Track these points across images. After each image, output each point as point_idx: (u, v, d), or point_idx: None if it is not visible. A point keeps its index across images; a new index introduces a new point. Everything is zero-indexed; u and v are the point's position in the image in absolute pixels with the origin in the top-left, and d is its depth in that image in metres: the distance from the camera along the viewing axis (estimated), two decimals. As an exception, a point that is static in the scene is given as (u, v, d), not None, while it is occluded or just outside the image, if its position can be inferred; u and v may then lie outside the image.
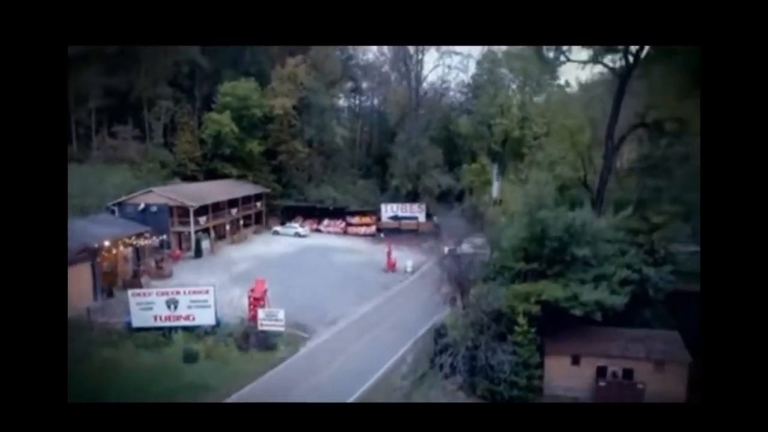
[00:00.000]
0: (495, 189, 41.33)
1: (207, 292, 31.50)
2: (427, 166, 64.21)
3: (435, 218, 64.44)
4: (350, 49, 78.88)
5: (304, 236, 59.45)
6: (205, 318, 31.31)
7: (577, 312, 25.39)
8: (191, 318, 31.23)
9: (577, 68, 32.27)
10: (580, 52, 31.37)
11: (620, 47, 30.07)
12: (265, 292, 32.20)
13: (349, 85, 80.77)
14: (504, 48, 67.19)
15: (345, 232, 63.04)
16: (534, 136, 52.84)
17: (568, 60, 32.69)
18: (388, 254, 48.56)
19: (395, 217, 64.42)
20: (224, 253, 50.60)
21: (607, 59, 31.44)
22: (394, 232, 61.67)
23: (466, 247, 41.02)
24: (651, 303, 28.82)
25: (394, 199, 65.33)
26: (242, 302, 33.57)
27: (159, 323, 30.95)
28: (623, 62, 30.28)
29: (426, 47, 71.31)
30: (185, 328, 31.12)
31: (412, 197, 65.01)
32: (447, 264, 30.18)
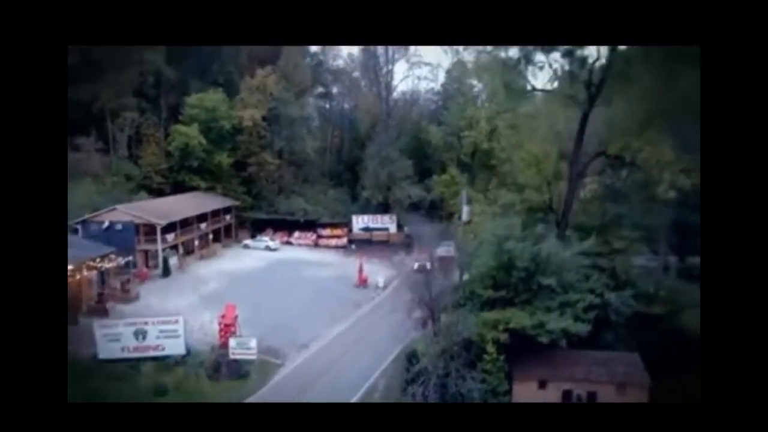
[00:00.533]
0: (465, 213, 42.18)
1: (176, 321, 31.14)
2: (397, 177, 64.66)
3: (406, 229, 65.04)
4: (320, 54, 78.48)
5: (274, 250, 58.98)
6: (174, 348, 30.94)
7: (544, 340, 26.26)
8: (160, 348, 30.81)
9: (544, 84, 32.60)
10: (545, 84, 32.34)
11: (582, 78, 31.03)
12: (235, 318, 31.96)
13: (320, 90, 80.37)
14: (473, 58, 67.98)
15: (316, 245, 62.90)
16: (502, 149, 53.81)
17: (534, 89, 33.53)
18: (360, 270, 48.77)
19: (366, 229, 64.68)
20: (193, 271, 49.78)
21: (571, 90, 32.38)
22: (365, 244, 61.95)
23: (441, 250, 41.45)
24: (613, 326, 29.99)
25: (365, 210, 65.55)
26: (213, 327, 33.20)
27: (127, 354, 30.43)
28: (585, 94, 31.23)
29: (396, 58, 71.84)
30: (154, 358, 30.69)
31: (383, 208, 65.35)
32: (419, 290, 30.57)
